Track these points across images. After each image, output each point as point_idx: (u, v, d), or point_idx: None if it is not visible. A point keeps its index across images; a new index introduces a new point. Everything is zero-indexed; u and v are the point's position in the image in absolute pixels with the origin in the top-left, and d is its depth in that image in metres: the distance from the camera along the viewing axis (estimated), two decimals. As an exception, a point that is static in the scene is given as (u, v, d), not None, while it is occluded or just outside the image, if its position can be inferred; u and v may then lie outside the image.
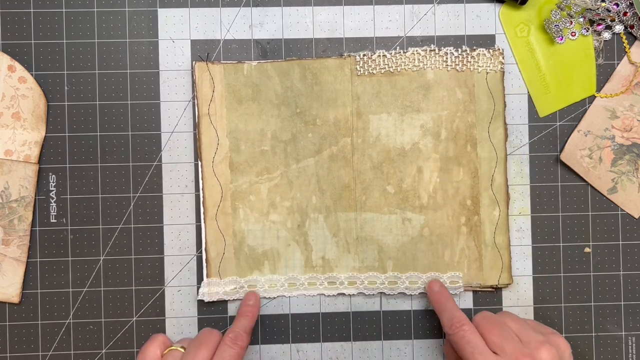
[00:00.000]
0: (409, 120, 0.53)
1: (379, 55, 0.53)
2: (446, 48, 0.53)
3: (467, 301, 0.54)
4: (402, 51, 0.53)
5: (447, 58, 0.53)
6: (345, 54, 0.53)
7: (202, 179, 0.53)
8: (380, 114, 0.53)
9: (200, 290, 0.53)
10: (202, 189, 0.53)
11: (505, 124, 0.53)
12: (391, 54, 0.53)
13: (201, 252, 0.53)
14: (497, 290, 0.54)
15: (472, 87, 0.53)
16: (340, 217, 0.53)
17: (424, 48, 0.53)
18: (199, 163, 0.53)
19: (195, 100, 0.53)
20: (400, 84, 0.53)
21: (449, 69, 0.53)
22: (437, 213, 0.53)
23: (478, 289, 0.54)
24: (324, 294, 0.53)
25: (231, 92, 0.53)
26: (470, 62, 0.53)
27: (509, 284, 0.54)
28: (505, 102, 0.53)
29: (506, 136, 0.53)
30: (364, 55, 0.53)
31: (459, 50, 0.53)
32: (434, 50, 0.53)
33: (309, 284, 0.53)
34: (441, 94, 0.53)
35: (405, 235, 0.53)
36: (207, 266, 0.53)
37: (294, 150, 0.53)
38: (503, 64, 0.53)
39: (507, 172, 0.53)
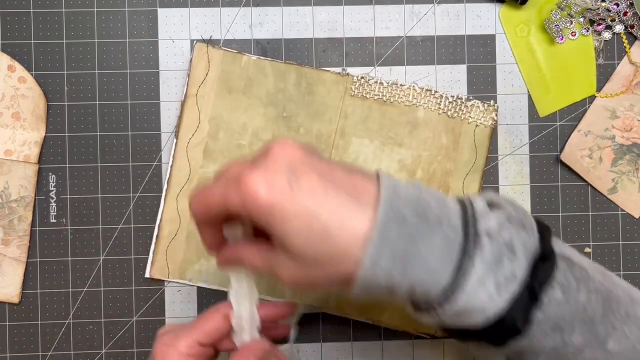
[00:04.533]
0: (389, 152, 0.53)
1: (376, 82, 0.53)
2: (442, 91, 0.53)
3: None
4: (399, 83, 0.53)
5: (441, 101, 0.53)
6: (344, 72, 0.53)
7: (173, 156, 0.52)
8: (363, 139, 0.53)
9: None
10: (171, 167, 0.52)
11: (482, 179, 0.53)
12: (388, 83, 0.53)
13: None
14: (433, 338, 0.53)
15: (459, 135, 0.53)
16: None
17: (422, 86, 0.53)
18: (175, 141, 0.52)
19: (187, 79, 0.52)
20: (389, 114, 0.53)
21: (440, 112, 0.53)
22: None
23: (415, 332, 0.53)
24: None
25: (224, 80, 0.52)
26: (462, 110, 0.53)
27: (447, 336, 0.52)
28: (487, 158, 0.53)
29: (480, 192, 0.53)
30: (361, 77, 0.52)
31: (454, 96, 0.53)
32: (430, 90, 0.53)
33: None
34: (427, 134, 0.53)
35: None
36: (156, 242, 0.52)
37: None
38: (495, 120, 0.53)
39: None
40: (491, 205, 0.35)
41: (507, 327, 0.33)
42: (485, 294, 0.32)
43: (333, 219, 0.32)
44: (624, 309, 0.36)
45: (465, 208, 0.34)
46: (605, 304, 0.35)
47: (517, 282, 0.33)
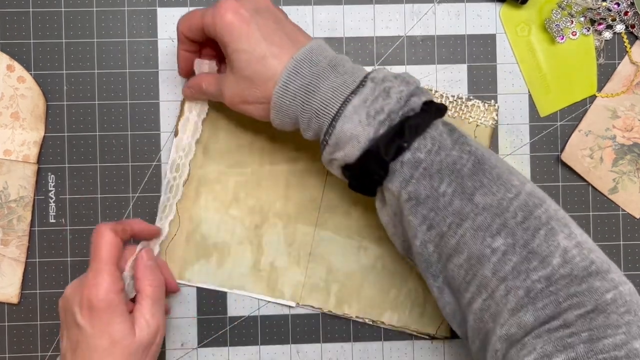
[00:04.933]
0: None
1: None
2: (443, 91, 0.53)
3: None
4: None
5: (441, 100, 0.53)
6: None
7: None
8: None
9: None
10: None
11: None
12: None
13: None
14: (433, 339, 0.54)
15: None
16: (299, 228, 0.53)
17: (423, 86, 0.53)
18: (174, 139, 0.52)
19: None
20: None
21: None
22: (394, 249, 0.52)
23: (415, 333, 0.53)
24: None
25: None
26: (463, 110, 0.53)
27: (447, 337, 0.53)
28: None
29: None
30: None
31: (455, 96, 0.53)
32: (431, 90, 0.53)
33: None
34: None
35: (358, 262, 0.53)
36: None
37: (271, 151, 0.53)
38: (495, 120, 0.53)
39: None
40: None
41: (375, 156, 0.40)
42: (357, 120, 0.40)
43: (271, 49, 0.42)
44: (496, 172, 0.41)
45: (371, 72, 0.43)
46: (477, 165, 0.41)
47: (384, 115, 0.40)
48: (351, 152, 0.41)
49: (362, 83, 0.41)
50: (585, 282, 0.37)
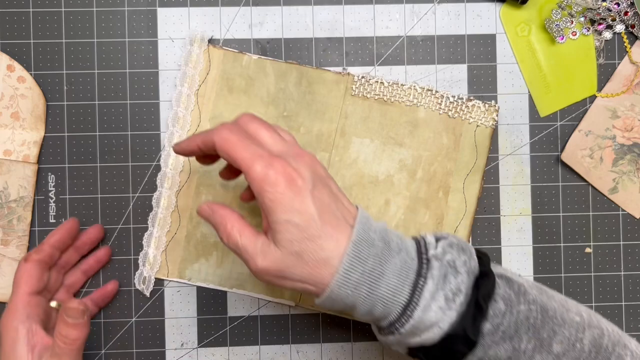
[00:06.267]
0: (390, 152, 0.52)
1: (377, 81, 0.52)
2: (444, 91, 0.53)
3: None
4: (400, 83, 0.53)
5: (442, 101, 0.53)
6: (344, 71, 0.52)
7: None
8: (363, 138, 0.52)
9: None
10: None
11: (482, 179, 0.53)
12: (389, 82, 0.52)
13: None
14: None
15: (459, 135, 0.53)
16: None
17: (423, 86, 0.53)
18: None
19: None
20: (390, 114, 0.52)
21: (441, 112, 0.53)
22: None
23: None
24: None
25: (225, 79, 0.52)
26: (463, 110, 0.53)
27: None
28: (488, 159, 0.53)
29: (480, 193, 0.53)
30: (362, 77, 0.52)
31: (455, 96, 0.53)
32: (431, 90, 0.53)
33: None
34: (427, 134, 0.52)
35: None
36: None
37: None
38: (495, 120, 0.53)
39: (472, 228, 0.53)
40: (438, 238, 0.40)
41: (461, 338, 0.38)
42: (437, 306, 0.37)
43: (325, 229, 0.37)
44: (559, 315, 0.40)
45: (419, 242, 0.40)
46: (544, 312, 0.40)
47: (463, 295, 0.38)
48: (430, 337, 0.38)
49: (421, 261, 0.39)
50: None
